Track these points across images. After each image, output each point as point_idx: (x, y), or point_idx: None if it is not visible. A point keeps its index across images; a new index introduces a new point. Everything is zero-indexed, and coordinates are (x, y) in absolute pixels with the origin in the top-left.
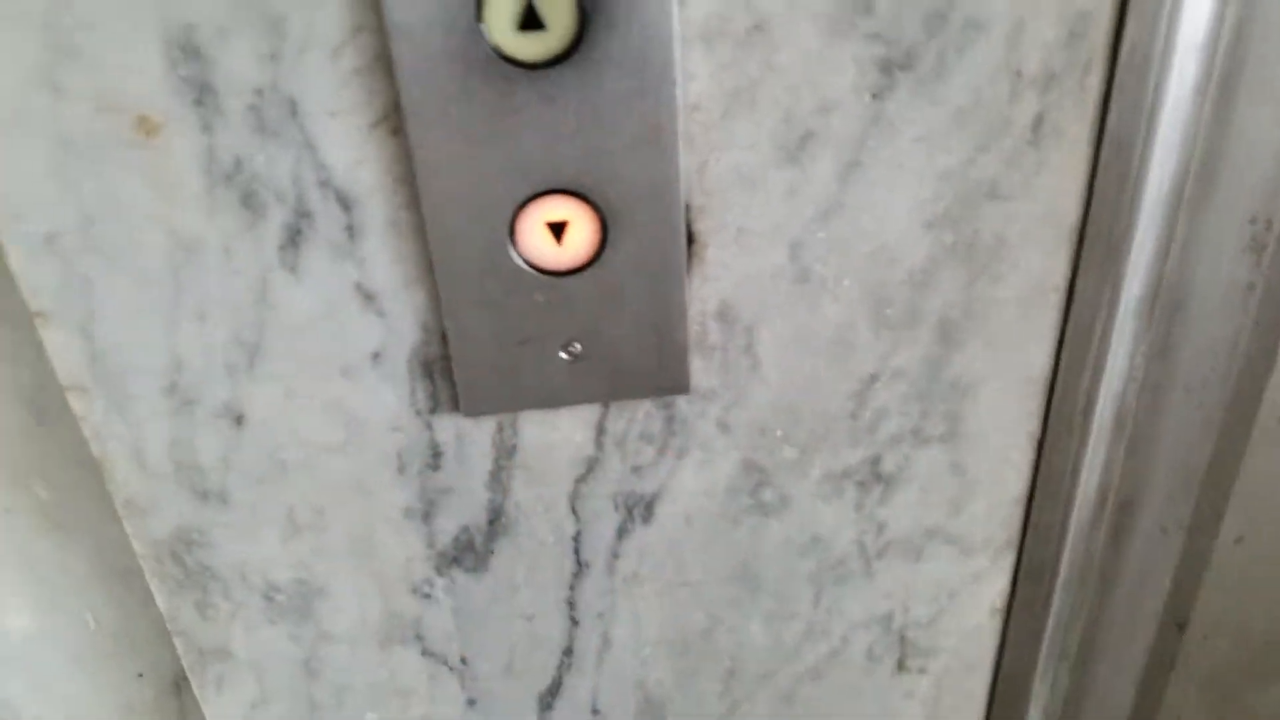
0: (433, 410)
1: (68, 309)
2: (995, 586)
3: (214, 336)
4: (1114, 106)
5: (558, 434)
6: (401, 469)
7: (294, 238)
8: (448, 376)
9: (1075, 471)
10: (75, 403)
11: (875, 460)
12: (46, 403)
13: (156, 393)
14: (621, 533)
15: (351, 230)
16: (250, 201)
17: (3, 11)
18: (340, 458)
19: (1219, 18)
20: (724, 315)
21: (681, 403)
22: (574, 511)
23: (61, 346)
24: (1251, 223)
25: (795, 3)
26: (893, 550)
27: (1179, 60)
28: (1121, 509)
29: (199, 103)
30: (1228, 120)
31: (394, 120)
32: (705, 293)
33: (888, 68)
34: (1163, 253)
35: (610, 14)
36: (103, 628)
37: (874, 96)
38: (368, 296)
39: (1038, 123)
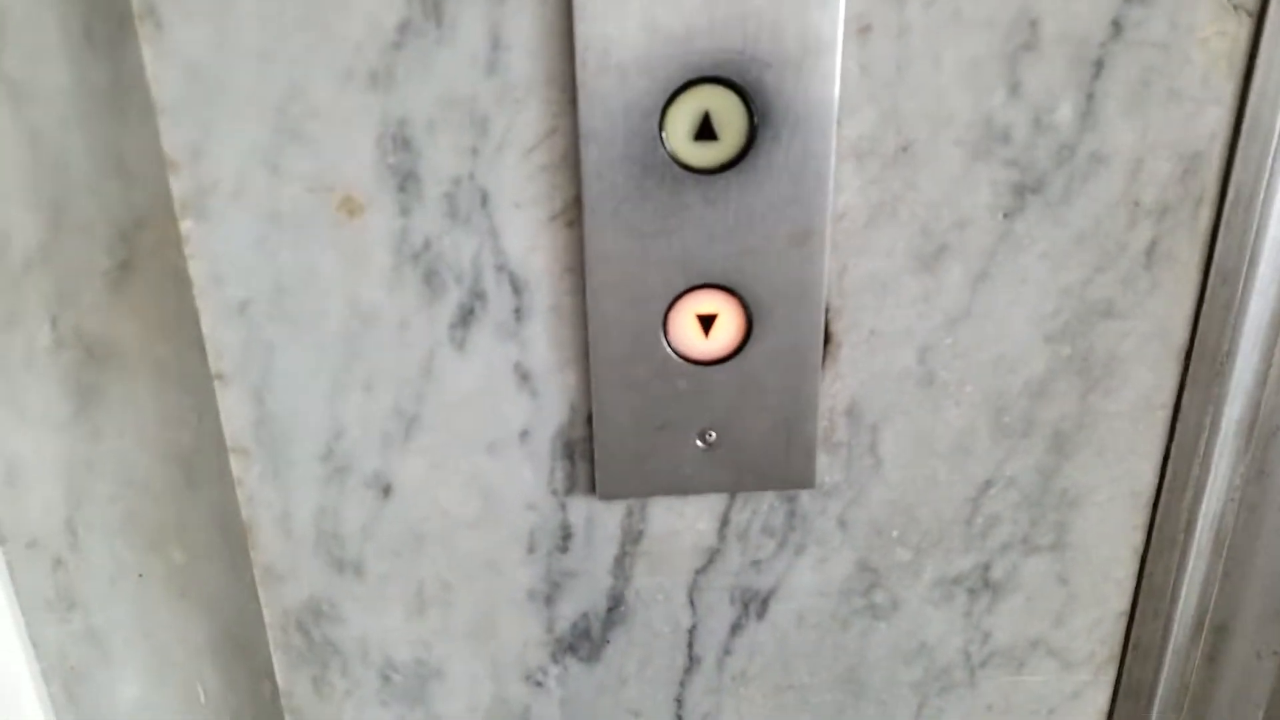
0: (568, 491)
1: (246, 372)
2: (1095, 704)
3: (376, 406)
4: (1221, 238)
5: (683, 522)
6: (531, 549)
7: (465, 317)
8: (586, 459)
9: (1176, 589)
10: (236, 465)
11: (985, 567)
12: (199, 465)
13: (313, 459)
14: (735, 628)
15: (519, 312)
16: (431, 280)
17: (243, 96)
18: (475, 533)
19: None
20: (852, 413)
21: (804, 497)
22: (691, 603)
23: (233, 408)
24: None
25: (940, 130)
26: (996, 660)
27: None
28: (1218, 631)
29: (401, 188)
30: None
31: (570, 214)
32: (836, 389)
33: (1020, 191)
34: (1261, 379)
35: (776, 130)
36: (212, 701)
37: (1005, 216)
38: (524, 376)
39: (1152, 248)
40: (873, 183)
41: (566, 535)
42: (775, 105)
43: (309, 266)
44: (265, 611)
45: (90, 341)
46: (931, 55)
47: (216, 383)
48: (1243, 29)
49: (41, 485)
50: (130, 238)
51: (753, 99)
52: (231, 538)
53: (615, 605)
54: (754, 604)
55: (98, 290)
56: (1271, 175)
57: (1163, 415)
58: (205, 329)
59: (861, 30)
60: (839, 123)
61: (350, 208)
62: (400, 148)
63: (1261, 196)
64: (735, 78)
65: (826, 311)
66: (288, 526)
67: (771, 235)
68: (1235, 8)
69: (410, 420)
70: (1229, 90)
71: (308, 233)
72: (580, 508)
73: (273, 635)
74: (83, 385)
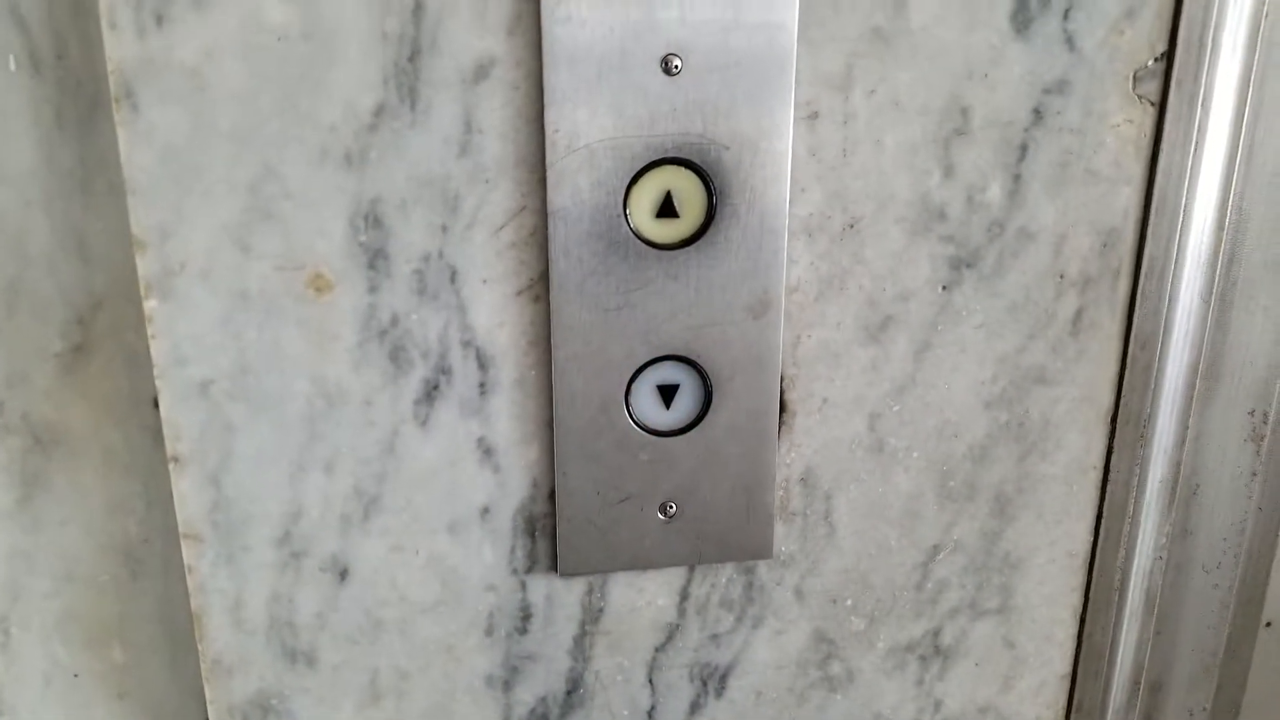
0: (529, 570)
1: (204, 455)
2: None
3: (337, 488)
4: (1138, 307)
5: (643, 598)
6: (490, 631)
7: (430, 393)
8: (547, 535)
9: (1113, 650)
10: (188, 552)
11: (936, 633)
12: (144, 556)
13: (268, 544)
14: (694, 708)
15: (484, 387)
16: (397, 357)
17: (215, 177)
18: (433, 617)
19: (1216, 242)
20: (807, 481)
21: (762, 568)
22: (650, 683)
23: (188, 492)
24: (1250, 415)
25: (883, 208)
26: None
27: (1187, 273)
28: (1153, 690)
29: (371, 266)
30: (1227, 325)
31: (537, 289)
32: (791, 459)
33: (956, 265)
34: (1180, 440)
35: (734, 207)
36: None
37: (944, 288)
38: (487, 452)
39: (1077, 317)
40: (822, 258)
41: (526, 616)
42: (732, 185)
43: (274, 345)
44: (210, 708)
45: (38, 428)
46: (873, 140)
47: (172, 465)
48: (1147, 117)
49: None
50: (86, 321)
51: (712, 179)
52: (174, 633)
53: (574, 689)
54: (713, 681)
55: (49, 374)
56: (1180, 248)
57: (1094, 477)
58: (164, 410)
59: (810, 116)
60: (790, 201)
61: (319, 285)
62: (372, 226)
63: (1172, 268)
64: (695, 159)
65: (782, 381)
66: (239, 616)
67: (730, 307)
68: (1140, 98)
69: (370, 501)
70: (1138, 172)
71: (275, 311)
72: (540, 586)
73: None
74: (27, 474)
